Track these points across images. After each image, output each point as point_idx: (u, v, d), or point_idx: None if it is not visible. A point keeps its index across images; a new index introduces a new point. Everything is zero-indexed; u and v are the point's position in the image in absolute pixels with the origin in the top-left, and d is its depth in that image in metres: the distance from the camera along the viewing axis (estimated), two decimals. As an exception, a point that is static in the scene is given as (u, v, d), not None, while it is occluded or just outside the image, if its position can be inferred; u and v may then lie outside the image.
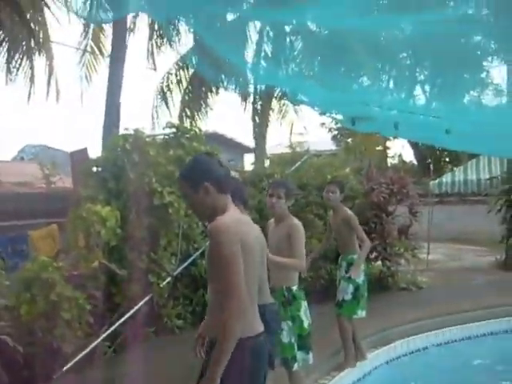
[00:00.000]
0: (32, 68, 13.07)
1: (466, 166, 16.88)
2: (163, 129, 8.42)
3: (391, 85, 7.35)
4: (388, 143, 27.95)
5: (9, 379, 4.87)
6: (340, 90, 6.57)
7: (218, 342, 2.61)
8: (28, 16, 12.63)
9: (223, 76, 11.41)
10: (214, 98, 16.10)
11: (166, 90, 15.68)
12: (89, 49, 14.05)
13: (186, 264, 7.27)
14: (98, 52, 14.18)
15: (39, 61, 13.34)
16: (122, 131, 8.28)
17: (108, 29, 13.20)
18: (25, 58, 12.89)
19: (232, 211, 2.87)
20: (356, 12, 5.16)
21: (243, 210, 3.67)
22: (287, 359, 4.62)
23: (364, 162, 19.40)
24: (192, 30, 10.15)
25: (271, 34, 9.90)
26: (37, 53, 13.09)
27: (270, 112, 16.43)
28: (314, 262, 6.60)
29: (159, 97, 15.67)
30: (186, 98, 15.69)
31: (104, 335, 6.18)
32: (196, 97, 15.66)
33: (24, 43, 12.78)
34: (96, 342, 6.01)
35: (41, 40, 13.00)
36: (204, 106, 15.88)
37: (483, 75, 6.67)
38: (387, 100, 6.98)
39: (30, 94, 13.18)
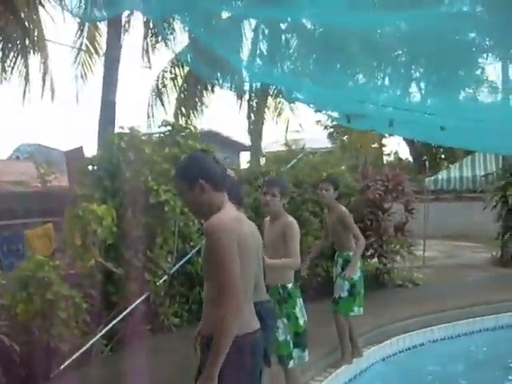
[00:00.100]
0: (27, 67, 13.06)
1: (461, 163, 16.94)
2: (158, 127, 8.42)
3: (386, 82, 7.37)
4: (384, 141, 28.03)
5: (5, 378, 4.86)
6: (335, 87, 6.58)
7: (215, 338, 2.61)
8: (22, 15, 12.61)
9: (218, 74, 11.42)
10: (210, 96, 16.13)
11: (161, 88, 15.68)
12: (84, 47, 14.02)
13: (182, 262, 7.28)
14: (93, 51, 14.16)
15: (34, 60, 13.33)
16: (117, 130, 8.27)
17: (103, 27, 13.18)
18: (19, 57, 12.87)
19: (228, 208, 2.87)
20: (351, 9, 5.18)
21: (238, 207, 3.67)
22: (283, 357, 4.63)
23: (360, 160, 19.48)
24: (187, 28, 10.16)
25: (266, 31, 9.91)
26: (31, 51, 13.07)
27: (266, 110, 16.45)
28: (313, 261, 6.60)
29: (154, 95, 15.66)
30: (182, 96, 15.70)
31: (101, 333, 6.18)
32: (191, 95, 15.66)
33: (18, 42, 12.75)
34: (93, 341, 6.01)
35: (35, 39, 12.98)
36: (199, 104, 15.88)
37: (478, 72, 6.69)
38: (382, 97, 7.00)
39: (24, 92, 13.18)
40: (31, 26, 12.84)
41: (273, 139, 25.44)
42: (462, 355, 7.53)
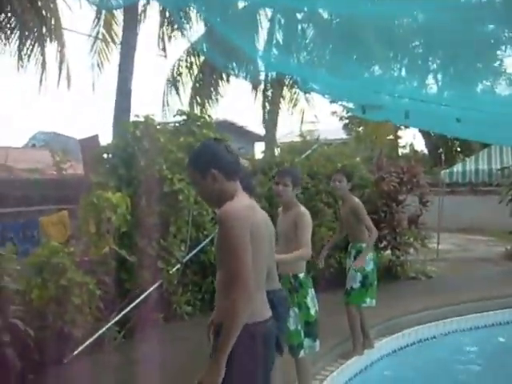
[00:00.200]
0: (43, 55, 13.11)
1: (477, 156, 16.76)
2: (174, 116, 8.45)
3: (403, 73, 7.31)
4: (399, 132, 27.87)
5: (20, 362, 4.93)
6: (351, 78, 6.54)
7: (225, 325, 2.62)
8: (39, 3, 12.65)
9: (234, 63, 11.40)
10: (225, 86, 16.11)
11: (176, 77, 15.68)
12: (100, 36, 14.05)
13: (195, 251, 7.31)
14: (109, 39, 14.18)
15: (51, 48, 13.39)
16: (132, 118, 8.30)
17: (119, 16, 13.19)
18: (36, 45, 12.92)
19: (241, 197, 2.87)
20: (367, -1, 5.14)
21: (250, 197, 3.68)
22: (293, 346, 4.64)
23: (375, 151, 19.38)
24: (203, 17, 10.14)
25: (282, 21, 9.86)
26: (48, 40, 13.11)
27: (281, 100, 16.41)
28: (327, 254, 6.61)
29: (170, 84, 15.67)
30: (197, 85, 15.69)
31: (114, 320, 6.24)
32: (206, 84, 15.65)
33: (35, 30, 12.79)
34: (106, 327, 6.07)
35: (52, 27, 13.01)
36: (214, 93, 15.87)
37: (496, 64, 6.62)
38: (399, 88, 6.94)
39: (41, 81, 13.23)
40: (48, 15, 12.87)
41: (288, 130, 25.40)
42: (474, 349, 7.53)
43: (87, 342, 5.75)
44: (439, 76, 6.99)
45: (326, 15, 7.72)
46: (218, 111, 18.74)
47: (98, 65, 14.17)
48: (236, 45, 7.04)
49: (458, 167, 16.83)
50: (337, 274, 8.53)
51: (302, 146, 11.22)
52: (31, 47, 12.89)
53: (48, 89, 13.80)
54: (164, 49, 14.68)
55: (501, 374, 6.63)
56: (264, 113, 16.25)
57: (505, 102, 6.63)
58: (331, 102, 8.49)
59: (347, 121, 28.05)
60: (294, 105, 17.02)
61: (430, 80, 7.11)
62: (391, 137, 26.06)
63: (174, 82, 15.66)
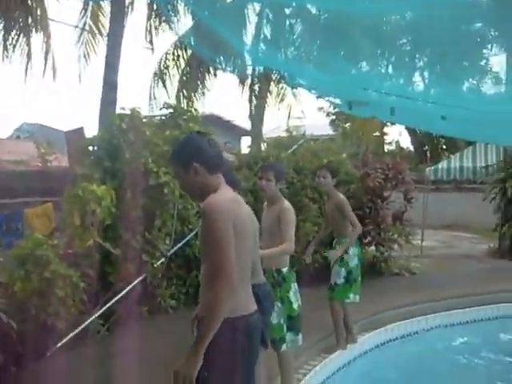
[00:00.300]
0: (29, 45, 12.98)
1: (462, 154, 16.89)
2: (160, 109, 8.42)
3: (390, 70, 7.34)
4: (385, 129, 28.01)
5: (3, 355, 4.91)
6: (338, 74, 6.56)
7: (205, 317, 2.62)
8: (25, -7, 12.53)
9: (221, 57, 11.38)
10: (212, 80, 16.08)
11: (163, 70, 15.62)
12: (87, 27, 13.94)
13: (180, 244, 7.31)
14: (96, 31, 14.07)
15: (36, 38, 13.26)
16: (118, 111, 8.26)
17: (106, 7, 13.10)
18: (21, 35, 12.80)
19: (225, 190, 2.87)
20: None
21: (234, 190, 3.69)
22: (275, 340, 4.65)
23: (361, 148, 19.45)
24: (190, 11, 10.10)
25: (271, 16, 9.85)
26: (34, 30, 12.99)
27: (268, 95, 16.41)
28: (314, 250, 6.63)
29: (157, 77, 15.61)
30: (184, 78, 15.65)
31: (98, 313, 6.22)
32: (193, 78, 15.61)
33: (21, 20, 12.67)
34: (89, 320, 6.05)
35: (38, 17, 12.90)
36: (201, 87, 15.84)
37: (482, 63, 6.66)
38: (385, 85, 6.97)
39: (26, 71, 13.11)
40: (34, 5, 12.76)
41: (274, 125, 25.41)
42: (456, 344, 7.60)
43: (70, 335, 5.73)
44: (426, 74, 7.03)
45: (314, 11, 7.72)
46: (205, 105, 18.69)
47: (85, 56, 14.06)
48: (223, 39, 7.03)
49: (442, 164, 16.95)
50: (321, 269, 8.56)
51: (289, 141, 11.24)
52: (16, 37, 12.77)
53: (33, 80, 13.70)
54: (151, 42, 14.60)
55: (482, 370, 6.71)
56: (251, 107, 16.24)
57: (490, 100, 6.69)
58: (318, 97, 8.51)
59: (334, 117, 28.14)
60: (281, 100, 17.05)
61: (417, 77, 7.15)
62: (377, 133, 26.20)
63: (160, 75, 15.60)
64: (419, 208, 12.44)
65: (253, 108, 16.19)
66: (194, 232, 7.35)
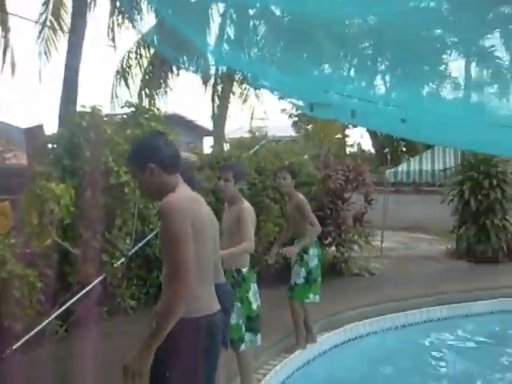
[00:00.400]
0: (-13, 40, 12.73)
1: (421, 157, 17.19)
2: (121, 108, 8.34)
3: (352, 73, 7.41)
4: (347, 131, 28.29)
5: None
6: (301, 76, 6.60)
7: (160, 315, 2.62)
8: (-16, -14, 12.28)
9: (185, 57, 11.32)
10: (175, 79, 16.01)
11: (126, 68, 15.47)
12: (48, 23, 13.69)
13: (140, 244, 7.25)
14: (57, 27, 13.83)
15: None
16: (79, 108, 8.15)
17: (68, 3, 12.89)
18: (-21, 30, 12.54)
19: (183, 189, 2.85)
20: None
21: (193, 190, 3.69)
22: (234, 340, 4.66)
23: (323, 149, 19.61)
24: (154, 9, 10.03)
25: (234, 16, 9.84)
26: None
27: (231, 96, 16.41)
28: (275, 252, 6.64)
29: (119, 76, 15.46)
30: (146, 77, 15.53)
31: (55, 314, 6.13)
32: (156, 77, 15.51)
33: (-21, 14, 12.42)
34: (47, 321, 5.96)
35: (-3, 12, 12.65)
36: (164, 86, 15.74)
37: (442, 68, 6.78)
38: (347, 88, 7.04)
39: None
40: (-8, -1, 12.50)
41: (237, 126, 25.40)
42: (413, 344, 7.73)
43: (27, 336, 5.63)
44: (387, 77, 7.12)
45: (277, 12, 7.75)
46: (168, 104, 18.58)
47: (46, 53, 13.80)
48: (187, 38, 7.00)
49: (402, 167, 17.22)
50: (282, 269, 8.60)
51: (251, 141, 11.26)
52: (-26, 32, 12.50)
53: (-9, 76, 13.41)
54: (113, 39, 14.45)
55: (439, 369, 6.84)
56: (213, 107, 16.22)
57: (449, 105, 6.82)
58: (280, 98, 8.54)
59: (296, 118, 28.29)
60: (244, 101, 17.07)
61: (379, 81, 7.24)
62: (339, 136, 26.43)
63: (123, 74, 15.46)
64: (379, 210, 12.61)
65: (215, 108, 16.17)
66: (155, 232, 7.30)
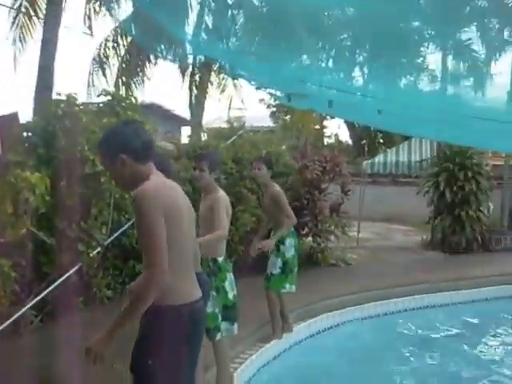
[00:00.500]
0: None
1: (397, 148, 17.31)
2: (97, 96, 8.25)
3: (330, 64, 7.42)
4: (325, 122, 28.36)
5: None
6: (278, 66, 6.59)
7: (130, 300, 2.60)
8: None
9: (162, 46, 11.23)
10: (152, 68, 15.87)
11: (102, 57, 15.30)
12: (23, 9, 13.46)
13: (116, 234, 7.20)
14: (33, 13, 13.60)
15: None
16: (54, 96, 8.06)
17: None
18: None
19: (156, 177, 2.81)
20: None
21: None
22: (210, 329, 4.66)
23: (300, 140, 19.65)
24: (131, -3, 9.92)
25: (213, 5, 9.78)
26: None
27: (209, 85, 16.32)
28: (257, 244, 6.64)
29: (96, 64, 15.27)
30: (123, 66, 15.37)
31: (30, 304, 6.06)
32: (133, 66, 15.36)
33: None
34: (22, 311, 5.89)
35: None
36: (141, 74, 15.61)
37: (419, 60, 6.83)
38: (325, 79, 7.05)
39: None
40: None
41: (216, 116, 25.31)
42: (388, 333, 7.82)
43: (1, 327, 5.56)
44: (365, 68, 7.15)
45: (256, 1, 7.73)
46: (146, 94, 18.44)
47: (20, 39, 13.58)
48: (164, 27, 6.95)
49: (379, 158, 17.32)
50: (259, 259, 8.61)
51: (229, 131, 11.23)
52: None
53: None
54: (90, 27, 14.26)
55: (413, 358, 6.94)
56: (191, 97, 16.13)
57: (425, 97, 6.87)
58: (257, 88, 8.52)
59: (275, 109, 28.28)
60: (222, 91, 16.98)
61: (357, 72, 7.27)
62: (317, 126, 26.49)
63: (100, 62, 15.27)
64: (356, 200, 12.69)
65: (193, 98, 16.08)
66: (131, 222, 7.25)
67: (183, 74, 16.23)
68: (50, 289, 6.22)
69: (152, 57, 15.27)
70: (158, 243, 2.59)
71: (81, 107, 7.42)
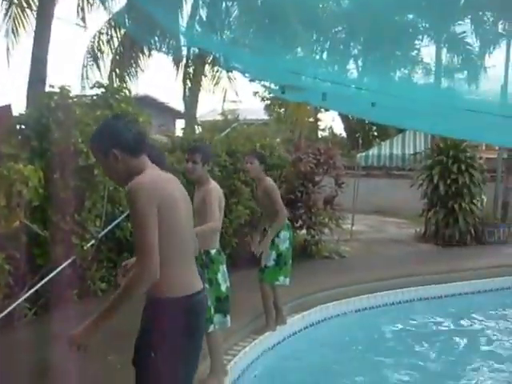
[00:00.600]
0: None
1: (391, 141, 17.36)
2: (91, 88, 8.21)
3: (325, 57, 7.43)
4: (319, 115, 28.38)
5: None
6: (273, 58, 6.59)
7: (118, 291, 2.58)
8: None
9: (156, 38, 11.20)
10: (147, 61, 15.82)
11: (96, 49, 15.23)
12: (16, 1, 13.36)
13: (110, 226, 7.19)
14: (25, 5, 13.50)
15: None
16: (47, 89, 8.01)
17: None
18: None
19: (150, 170, 2.79)
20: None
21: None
22: (203, 321, 4.67)
23: (295, 133, 19.65)
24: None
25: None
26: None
27: (203, 78, 16.28)
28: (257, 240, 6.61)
29: (89, 56, 15.20)
30: (117, 58, 15.31)
31: (24, 297, 6.06)
32: (127, 58, 15.30)
33: None
34: (15, 304, 5.89)
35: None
36: (135, 67, 15.55)
37: (414, 53, 6.84)
38: (320, 72, 7.06)
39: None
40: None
41: (210, 108, 25.30)
42: (382, 326, 7.86)
43: (-5, 319, 5.57)
44: (359, 61, 7.15)
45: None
46: (140, 86, 18.38)
47: (13, 31, 13.49)
48: (157, 19, 6.93)
49: (373, 151, 17.37)
50: (252, 251, 8.64)
51: (223, 124, 11.24)
52: None
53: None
54: (83, 19, 14.16)
55: (407, 350, 6.97)
56: (185, 89, 16.08)
57: (420, 89, 6.88)
58: (251, 80, 8.52)
59: (269, 102, 28.25)
60: (216, 83, 16.93)
61: (351, 65, 7.27)
62: (311, 119, 26.49)
63: (93, 54, 15.20)
64: (350, 193, 12.72)
65: (187, 90, 16.04)
66: (125, 214, 7.25)
67: (177, 66, 16.17)
68: (43, 281, 6.22)
69: (146, 49, 15.23)
70: (149, 239, 2.57)
71: (74, 99, 7.38)
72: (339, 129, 31.59)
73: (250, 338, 6.12)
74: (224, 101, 17.76)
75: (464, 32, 6.59)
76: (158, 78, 25.47)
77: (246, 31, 7.72)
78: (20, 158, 6.39)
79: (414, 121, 9.08)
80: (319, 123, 29.43)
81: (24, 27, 13.37)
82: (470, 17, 6.38)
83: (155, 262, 2.56)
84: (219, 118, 13.56)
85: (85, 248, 6.92)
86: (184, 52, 15.00)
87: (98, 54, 15.24)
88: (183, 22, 8.48)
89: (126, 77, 15.46)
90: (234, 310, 4.99)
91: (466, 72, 7.00)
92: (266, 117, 27.18)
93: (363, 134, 27.08)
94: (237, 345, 5.84)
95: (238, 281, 5.39)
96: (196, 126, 14.05)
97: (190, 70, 15.97)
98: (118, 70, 15.33)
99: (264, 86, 12.20)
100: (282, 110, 25.64)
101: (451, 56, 6.98)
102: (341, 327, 7.54)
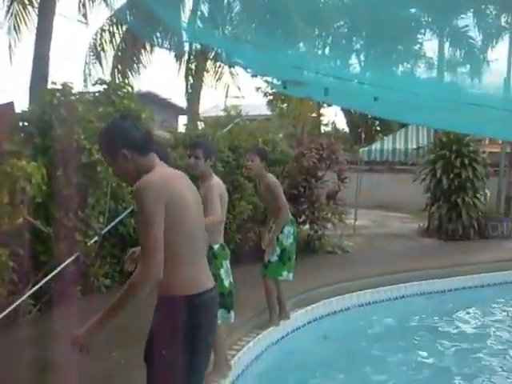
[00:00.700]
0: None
1: (394, 135, 17.30)
2: (93, 85, 8.21)
3: (327, 52, 7.42)
4: (322, 110, 28.35)
5: None
6: (275, 53, 6.58)
7: (122, 291, 2.58)
8: None
9: (158, 33, 11.19)
10: (149, 57, 15.81)
11: (98, 46, 15.23)
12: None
13: (114, 223, 7.21)
14: (27, 1, 13.51)
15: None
16: (50, 85, 8.02)
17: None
18: None
19: (159, 168, 2.78)
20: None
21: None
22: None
23: (297, 128, 19.63)
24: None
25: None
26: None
27: (205, 74, 16.26)
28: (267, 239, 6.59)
29: (92, 53, 15.21)
30: (119, 54, 15.31)
31: (28, 293, 6.08)
32: (129, 54, 15.29)
33: None
34: (20, 301, 5.91)
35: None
36: (137, 63, 15.55)
37: (416, 47, 6.83)
38: (322, 67, 7.05)
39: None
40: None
41: (213, 104, 25.29)
42: (386, 320, 7.86)
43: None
44: (362, 56, 7.14)
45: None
46: (142, 83, 18.39)
47: (15, 28, 13.50)
48: (159, 15, 6.92)
49: (376, 146, 17.32)
50: (256, 247, 8.65)
51: (226, 120, 11.22)
52: None
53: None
54: (85, 15, 14.16)
55: (411, 343, 6.98)
56: (187, 85, 16.07)
57: (422, 84, 6.87)
58: (252, 76, 8.51)
59: (271, 97, 28.22)
60: (219, 78, 16.93)
61: (353, 60, 7.26)
62: (314, 114, 26.47)
63: (96, 51, 15.20)
64: (353, 188, 12.72)
65: (189, 86, 16.03)
66: (129, 210, 7.27)
67: (179, 62, 16.17)
68: (47, 278, 6.24)
69: (148, 45, 15.22)
70: (153, 238, 2.56)
71: (77, 96, 7.39)
72: (342, 124, 31.58)
73: (253, 333, 6.13)
74: (226, 96, 17.81)
75: (466, 25, 6.58)
76: (160, 74, 25.42)
77: (247, 26, 7.72)
78: (23, 155, 6.40)
79: (417, 115, 9.05)
80: (322, 118, 29.42)
81: (26, 24, 13.39)
82: (472, 10, 6.37)
83: (158, 261, 2.55)
84: (222, 113, 13.54)
85: (88, 244, 6.94)
86: (186, 48, 14.99)
87: (100, 51, 15.24)
88: (185, 17, 8.48)
89: (129, 73, 15.46)
90: (237, 305, 4.99)
91: (468, 66, 7.00)
92: (268, 112, 27.15)
93: (366, 128, 27.06)
94: (240, 340, 5.85)
95: (242, 276, 5.39)
96: (198, 122, 14.04)
97: (192, 65, 15.95)
98: (120, 67, 15.33)
99: (266, 81, 12.18)
100: (285, 105, 25.63)
101: (454, 50, 6.97)
102: (344, 322, 7.55)
